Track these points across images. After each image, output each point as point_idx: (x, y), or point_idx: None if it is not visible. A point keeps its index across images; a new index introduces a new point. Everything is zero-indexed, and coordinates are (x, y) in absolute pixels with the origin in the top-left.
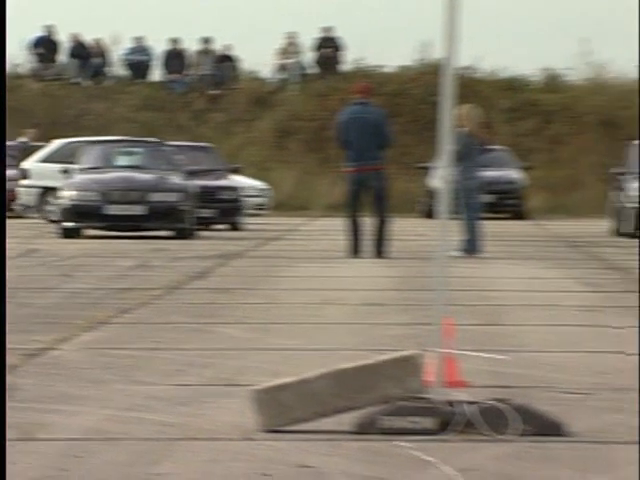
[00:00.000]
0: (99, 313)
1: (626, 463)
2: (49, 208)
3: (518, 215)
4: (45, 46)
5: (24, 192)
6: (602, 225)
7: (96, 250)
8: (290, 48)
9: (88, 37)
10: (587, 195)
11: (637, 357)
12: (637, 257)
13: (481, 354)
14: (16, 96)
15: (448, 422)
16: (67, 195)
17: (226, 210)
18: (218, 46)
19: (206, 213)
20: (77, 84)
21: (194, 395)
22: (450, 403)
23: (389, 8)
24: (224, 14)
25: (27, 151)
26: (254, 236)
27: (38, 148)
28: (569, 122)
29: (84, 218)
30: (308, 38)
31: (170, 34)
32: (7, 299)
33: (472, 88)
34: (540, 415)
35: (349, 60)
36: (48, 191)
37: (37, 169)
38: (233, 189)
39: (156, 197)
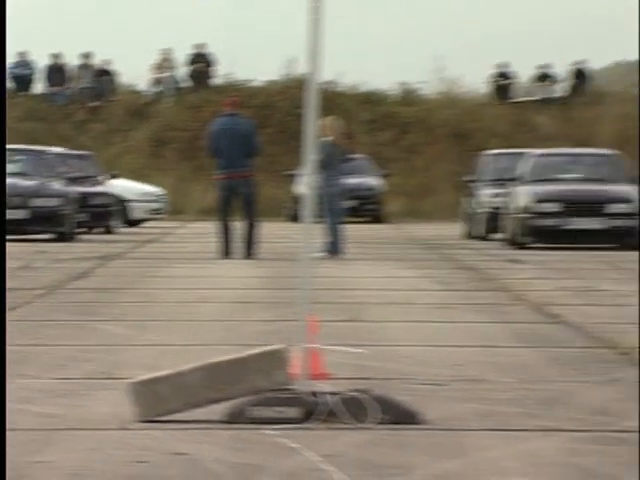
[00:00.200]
0: None
1: (476, 449)
2: None
3: (377, 219)
4: None
5: None
6: (455, 228)
7: None
8: (165, 63)
9: None
10: (441, 201)
11: (482, 350)
12: (504, 260)
13: (343, 348)
14: None
15: (312, 412)
16: None
17: (99, 214)
18: (97, 61)
19: (81, 218)
20: None
21: (75, 388)
22: (314, 394)
23: (257, 27)
24: (103, 30)
25: None
26: (132, 239)
27: None
28: (424, 133)
29: None
30: (182, 54)
31: (52, 49)
32: None
33: (334, 101)
34: (397, 405)
35: (220, 74)
36: None
37: None
38: (107, 195)
39: (38, 202)
